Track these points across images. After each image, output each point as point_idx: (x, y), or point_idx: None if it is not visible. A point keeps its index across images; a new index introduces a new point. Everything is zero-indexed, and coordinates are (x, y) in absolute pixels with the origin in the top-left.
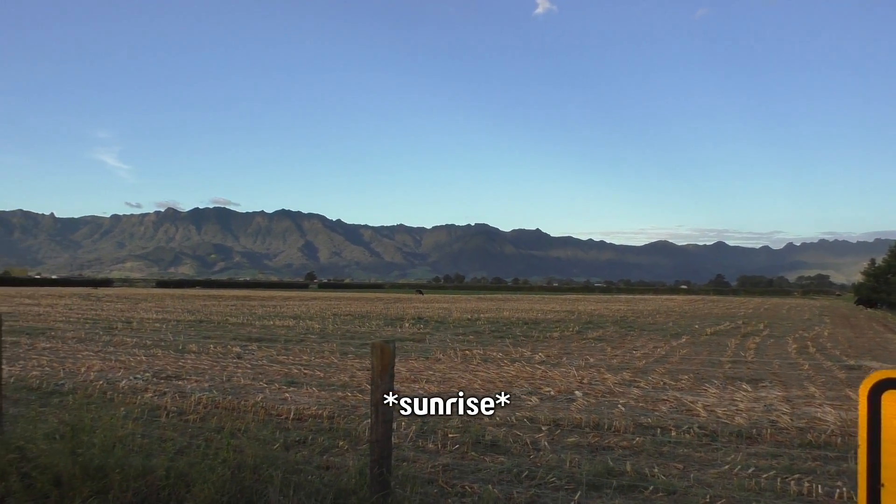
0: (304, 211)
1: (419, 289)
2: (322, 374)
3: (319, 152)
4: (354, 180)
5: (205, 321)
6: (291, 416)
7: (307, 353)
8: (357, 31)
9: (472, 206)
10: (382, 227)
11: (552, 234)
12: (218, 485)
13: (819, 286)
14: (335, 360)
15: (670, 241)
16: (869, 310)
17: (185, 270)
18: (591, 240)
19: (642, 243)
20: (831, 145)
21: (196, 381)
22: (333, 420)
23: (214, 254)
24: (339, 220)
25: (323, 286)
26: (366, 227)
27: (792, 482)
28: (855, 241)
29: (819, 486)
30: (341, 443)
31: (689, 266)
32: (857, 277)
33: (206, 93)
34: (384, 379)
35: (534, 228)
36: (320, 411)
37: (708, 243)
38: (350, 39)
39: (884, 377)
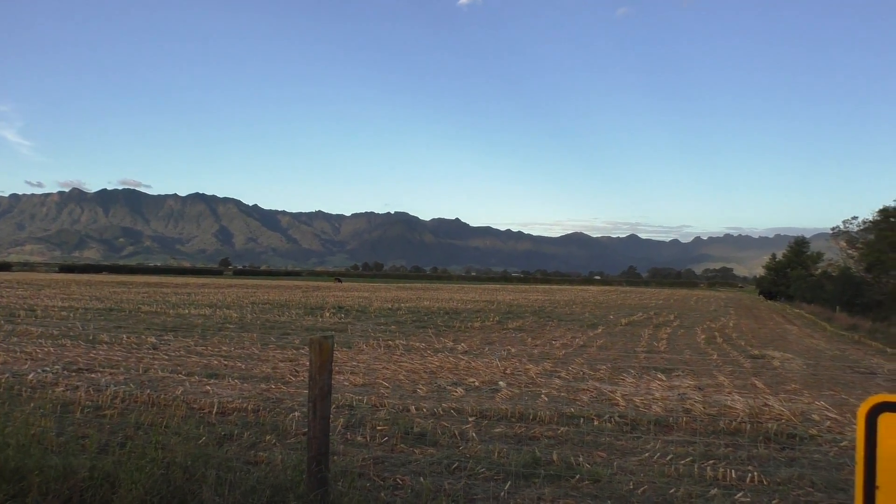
0: (220, 195)
1: (338, 277)
2: (243, 366)
3: (236, 135)
4: (273, 165)
5: (115, 309)
6: (215, 410)
7: (227, 344)
8: (280, 12)
9: (392, 194)
10: (301, 213)
11: (471, 224)
12: (147, 485)
13: (724, 278)
14: (256, 351)
15: (586, 232)
16: (769, 301)
17: (91, 255)
18: (509, 230)
19: (559, 234)
20: (738, 145)
21: (110, 373)
22: (259, 413)
23: (123, 238)
24: (255, 206)
25: (238, 273)
26: (283, 213)
27: (707, 468)
28: (757, 237)
29: (732, 471)
30: (269, 437)
31: (603, 257)
32: (759, 271)
33: (116, 66)
34: (322, 375)
35: (453, 218)
36: (244, 404)
37: (621, 236)
38: (271, 21)
39: (880, 401)
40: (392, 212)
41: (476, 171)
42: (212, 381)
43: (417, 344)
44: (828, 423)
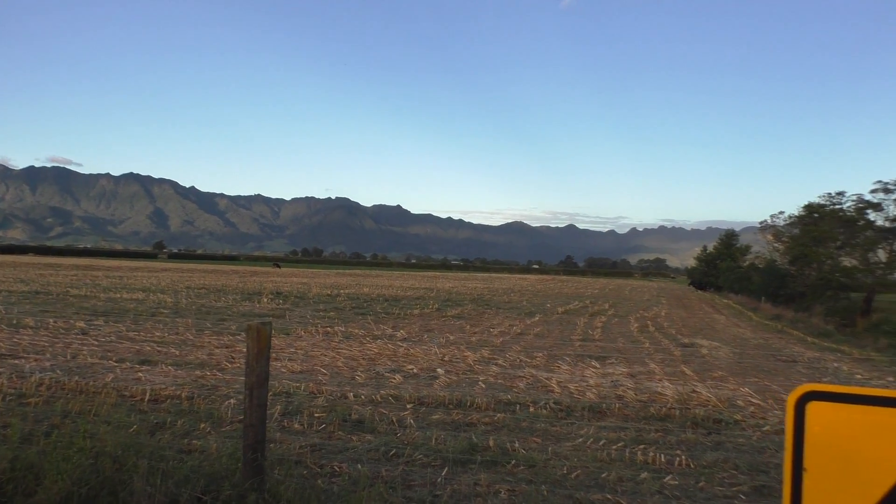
0: (155, 175)
1: (276, 262)
2: (178, 352)
3: (174, 115)
4: (212, 146)
5: (42, 292)
6: (147, 397)
7: (160, 330)
8: None
9: (333, 179)
10: (239, 196)
11: (413, 211)
12: (75, 476)
13: (657, 269)
14: (191, 337)
15: (525, 221)
16: (699, 292)
17: (16, 235)
18: (450, 218)
19: (499, 223)
20: (674, 141)
21: (36, 359)
22: (193, 401)
23: (51, 217)
24: (192, 188)
25: (173, 256)
26: (222, 195)
27: (638, 452)
28: (690, 229)
29: (662, 455)
30: (203, 425)
31: (542, 246)
32: (691, 262)
33: (45, 34)
34: (260, 361)
35: (395, 204)
36: (178, 392)
37: (560, 225)
38: (213, 1)
39: (808, 390)
40: (333, 197)
41: (419, 159)
42: (144, 367)
43: (357, 331)
44: (751, 408)
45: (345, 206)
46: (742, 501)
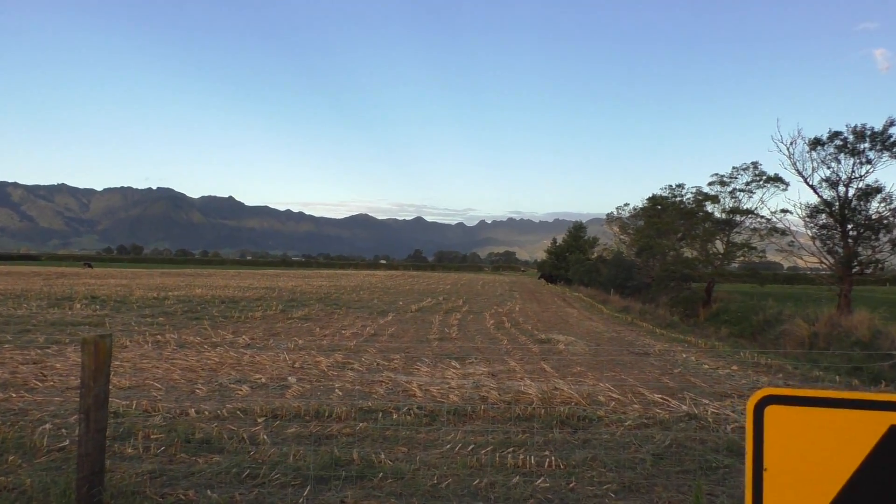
0: None
1: (87, 261)
2: None
3: None
4: (3, 127)
5: None
6: None
7: None
8: None
9: (153, 167)
10: (39, 186)
11: (247, 203)
12: None
13: (507, 262)
14: None
15: (371, 214)
16: (550, 285)
17: None
18: (289, 210)
19: (343, 216)
20: (520, 133)
21: None
22: None
23: None
24: None
25: None
26: (16, 185)
27: (508, 456)
28: (538, 221)
29: (532, 458)
30: (12, 457)
31: (388, 240)
32: (541, 254)
33: None
34: (98, 380)
35: (226, 196)
36: None
37: (407, 218)
38: None
39: (767, 394)
40: (154, 187)
41: (253, 147)
42: None
43: (192, 338)
44: (612, 403)
45: (168, 198)
46: (612, 500)
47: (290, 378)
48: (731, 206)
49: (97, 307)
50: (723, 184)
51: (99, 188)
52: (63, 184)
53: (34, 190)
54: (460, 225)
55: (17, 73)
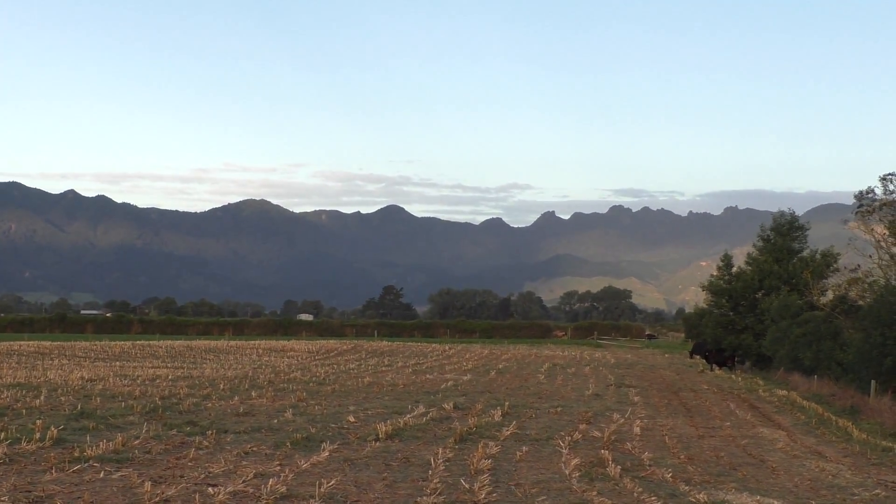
0: None
1: None
2: None
3: None
4: None
5: None
6: None
7: None
8: None
9: None
10: None
11: None
12: None
13: (609, 316)
14: None
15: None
16: (717, 370)
17: None
18: None
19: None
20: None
21: None
22: None
23: None
24: None
25: None
26: None
27: None
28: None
29: None
30: None
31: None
32: (689, 293)
33: None
34: None
35: None
36: None
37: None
38: None
39: None
40: None
41: None
42: None
43: None
44: None
45: None
46: None
47: None
48: None
49: None
50: None
51: None
52: None
53: None
54: (498, 223)
55: None
